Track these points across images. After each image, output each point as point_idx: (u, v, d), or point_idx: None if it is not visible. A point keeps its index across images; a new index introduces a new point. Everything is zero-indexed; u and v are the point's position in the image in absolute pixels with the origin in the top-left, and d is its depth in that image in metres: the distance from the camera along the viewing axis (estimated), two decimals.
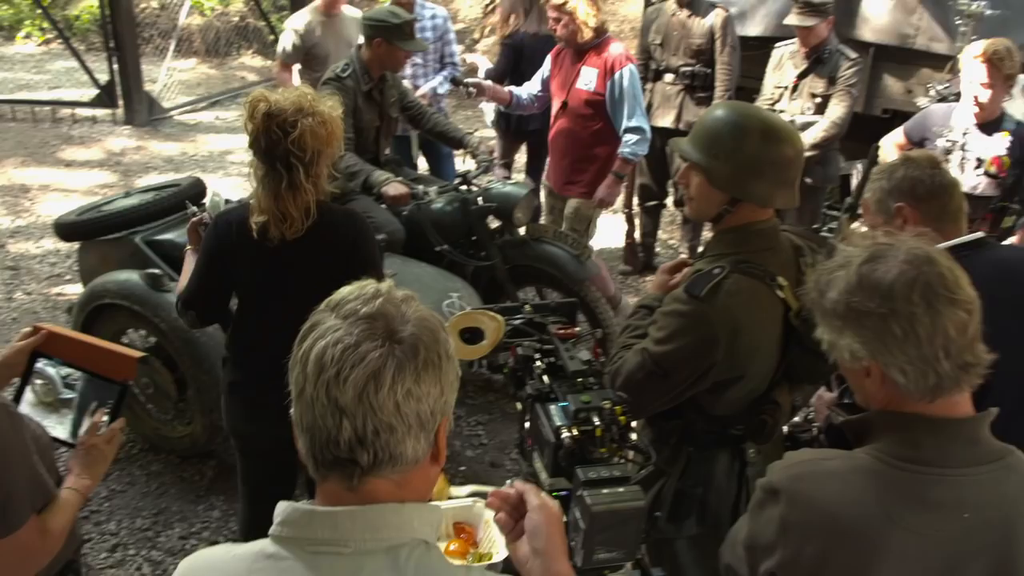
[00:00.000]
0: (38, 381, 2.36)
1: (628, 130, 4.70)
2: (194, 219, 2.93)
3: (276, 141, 2.51)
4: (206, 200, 2.92)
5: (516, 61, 5.62)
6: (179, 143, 8.75)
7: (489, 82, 5.17)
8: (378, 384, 1.14)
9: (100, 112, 9.21)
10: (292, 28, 5.62)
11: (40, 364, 2.26)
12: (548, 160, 5.27)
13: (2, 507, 1.77)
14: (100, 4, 9.02)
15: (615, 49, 4.71)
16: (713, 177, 2.22)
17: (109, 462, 2.12)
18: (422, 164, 5.92)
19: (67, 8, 12.76)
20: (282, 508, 1.22)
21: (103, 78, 9.09)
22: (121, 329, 4.04)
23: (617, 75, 4.65)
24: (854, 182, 5.21)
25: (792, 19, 5.04)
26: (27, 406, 2.22)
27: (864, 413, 1.63)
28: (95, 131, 8.97)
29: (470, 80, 5.13)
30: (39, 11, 11.36)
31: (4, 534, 1.79)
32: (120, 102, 9.11)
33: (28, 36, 12.73)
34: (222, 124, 9.44)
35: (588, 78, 4.72)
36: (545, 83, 4.97)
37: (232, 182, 7.65)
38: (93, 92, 9.25)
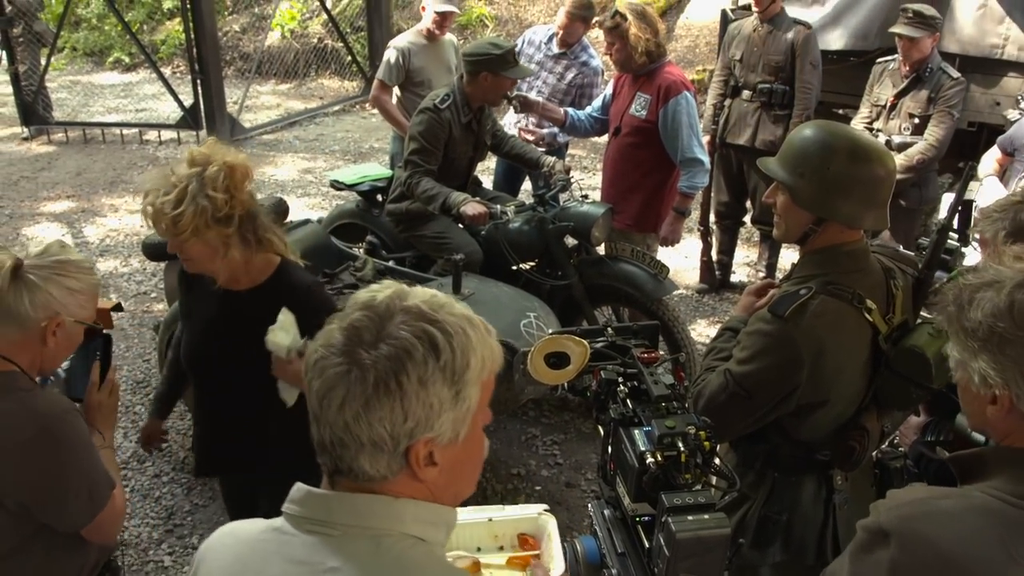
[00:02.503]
0: None
1: (684, 162, 4.52)
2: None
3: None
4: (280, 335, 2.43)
5: None
6: (259, 163, 8.95)
7: (540, 99, 5.09)
8: (329, 400, 1.17)
9: (184, 134, 9.49)
10: (395, 48, 5.68)
11: None
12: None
13: (89, 493, 2.06)
14: (185, 29, 9.30)
15: (670, 75, 4.50)
16: (798, 196, 2.19)
17: (116, 411, 2.39)
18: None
19: (153, 34, 13.20)
20: (294, 488, 1.27)
21: (188, 101, 9.36)
22: None
23: (670, 103, 4.44)
24: (943, 200, 5.07)
25: (899, 28, 4.91)
26: None
27: (977, 448, 1.55)
28: (179, 152, 9.23)
29: (516, 93, 4.93)
30: (128, 37, 11.75)
31: (96, 513, 2.08)
32: (203, 124, 9.38)
33: (117, 61, 13.19)
34: (301, 144, 9.64)
35: (640, 105, 4.55)
36: (606, 106, 4.86)
37: (311, 201, 7.80)
38: (178, 115, 9.54)
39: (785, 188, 2.22)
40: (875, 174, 2.13)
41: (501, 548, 1.54)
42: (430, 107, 4.34)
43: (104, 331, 2.36)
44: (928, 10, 4.90)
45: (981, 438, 2.20)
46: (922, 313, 2.40)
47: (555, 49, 5.46)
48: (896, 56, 5.10)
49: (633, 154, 4.66)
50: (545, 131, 5.37)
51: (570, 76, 5.43)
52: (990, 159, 4.37)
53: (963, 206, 3.05)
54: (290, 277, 2.55)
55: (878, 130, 5.09)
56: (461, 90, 4.38)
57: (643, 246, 4.71)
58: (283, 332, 2.37)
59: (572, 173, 4.81)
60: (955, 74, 4.97)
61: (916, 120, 4.98)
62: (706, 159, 4.56)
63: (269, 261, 2.54)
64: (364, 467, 1.19)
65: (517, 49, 5.49)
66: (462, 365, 1.20)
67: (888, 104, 5.09)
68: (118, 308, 3.01)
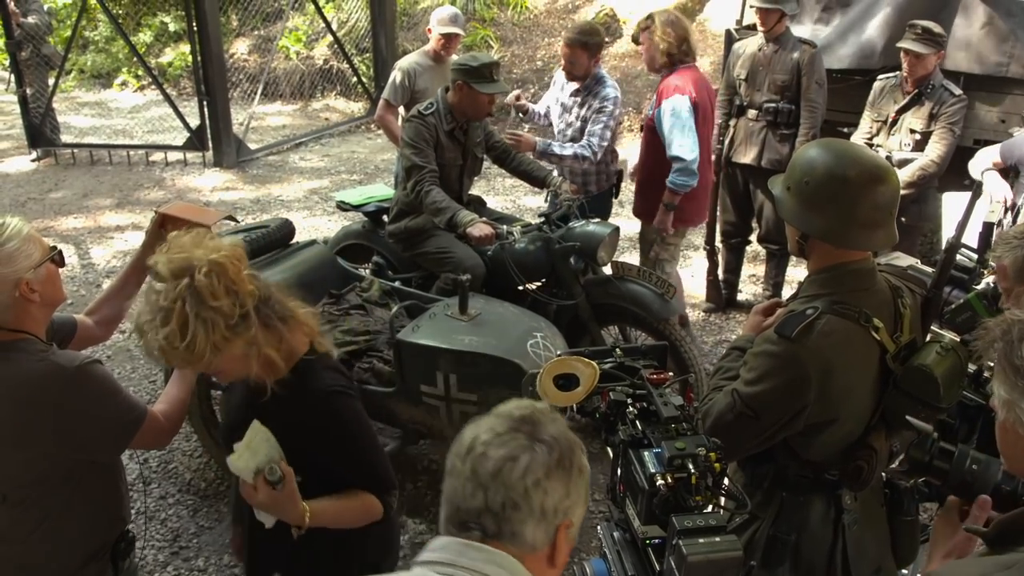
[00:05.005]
0: None
1: (672, 160, 4.74)
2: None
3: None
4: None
5: None
6: (265, 184, 8.98)
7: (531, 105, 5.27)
8: (514, 466, 1.35)
9: (191, 155, 9.53)
10: (400, 69, 5.74)
11: None
12: None
13: (119, 425, 2.27)
14: (192, 52, 9.35)
15: (674, 79, 4.75)
16: (781, 208, 2.24)
17: None
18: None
19: (160, 56, 13.27)
20: (436, 542, 1.41)
21: (194, 122, 9.40)
22: None
23: (663, 105, 4.71)
24: (943, 216, 5.06)
25: (907, 43, 4.94)
26: None
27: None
28: (186, 173, 9.27)
29: (519, 103, 5.35)
30: (135, 59, 11.82)
31: (130, 438, 2.29)
32: (209, 145, 9.41)
33: (124, 84, 13.27)
34: (306, 165, 9.66)
35: (651, 105, 4.88)
36: None
37: (317, 222, 7.81)
38: (184, 136, 9.58)
39: (776, 201, 2.26)
40: (852, 192, 2.10)
41: None
42: (415, 114, 4.48)
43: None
44: (935, 27, 4.94)
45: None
46: (933, 329, 2.39)
47: (569, 87, 5.14)
48: (897, 73, 5.12)
49: (650, 152, 4.96)
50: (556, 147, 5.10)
51: (582, 112, 5.07)
52: (987, 159, 4.32)
53: (984, 228, 3.05)
54: (310, 379, 2.19)
55: (878, 146, 5.09)
56: (444, 100, 4.48)
57: (660, 239, 5.04)
58: (249, 453, 2.04)
59: (578, 193, 4.83)
60: (957, 91, 4.99)
61: (917, 136, 5.00)
62: (689, 157, 4.69)
63: (294, 350, 2.19)
64: (526, 533, 1.36)
65: (550, 87, 5.47)
66: (584, 464, 1.46)
67: (889, 120, 5.11)
68: (231, 218, 3.10)
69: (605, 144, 4.94)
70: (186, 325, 1.95)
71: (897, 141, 5.06)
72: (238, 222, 3.55)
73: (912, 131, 5.01)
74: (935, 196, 5.17)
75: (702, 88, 4.85)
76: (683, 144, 4.67)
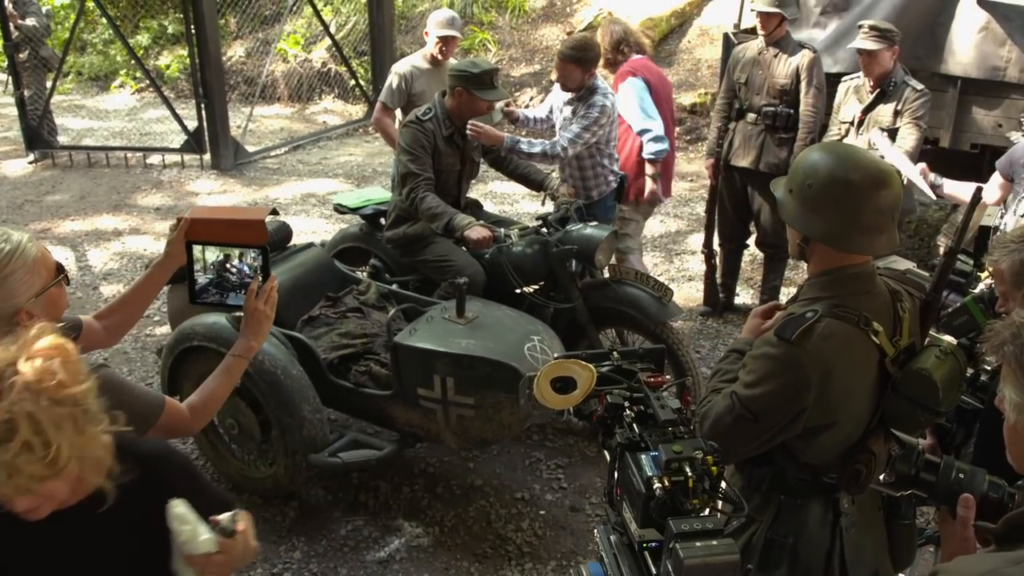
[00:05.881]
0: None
1: (641, 134, 5.09)
2: None
3: None
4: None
5: None
6: (263, 187, 8.97)
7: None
8: None
9: (188, 157, 9.52)
10: (397, 73, 5.73)
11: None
12: None
13: (135, 422, 1.96)
14: (190, 54, 9.34)
15: (623, 68, 5.19)
16: (783, 211, 2.23)
17: (271, 320, 2.41)
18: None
19: (158, 59, 13.26)
20: None
21: (192, 125, 9.40)
22: (209, 370, 4.10)
23: (619, 89, 5.13)
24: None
25: (858, 42, 4.98)
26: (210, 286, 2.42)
27: None
28: (183, 176, 9.27)
29: (508, 109, 5.50)
30: (133, 62, 11.81)
31: (147, 431, 2.20)
32: (207, 148, 9.41)
33: (122, 86, 13.26)
34: (304, 168, 9.66)
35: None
36: None
37: (314, 224, 7.81)
38: (182, 138, 9.57)
39: (778, 203, 2.26)
40: (855, 195, 2.10)
41: None
42: (413, 120, 4.48)
43: (263, 243, 2.37)
44: (884, 24, 5.00)
45: None
46: (932, 333, 2.39)
47: (565, 95, 5.10)
48: (859, 74, 5.17)
49: (621, 136, 5.28)
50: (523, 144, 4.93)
51: (573, 119, 4.97)
52: (993, 185, 4.34)
53: (980, 231, 3.04)
54: (135, 452, 1.77)
55: None
56: (442, 105, 4.49)
57: (636, 213, 5.45)
58: (201, 527, 1.73)
59: (575, 196, 4.82)
60: (919, 86, 5.03)
61: (884, 134, 5.01)
62: (653, 125, 5.09)
63: (109, 440, 1.73)
64: None
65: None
66: None
67: (856, 120, 5.15)
68: (274, 212, 2.94)
69: (579, 143, 4.80)
70: (40, 429, 1.50)
71: (865, 141, 5.07)
72: (278, 214, 3.45)
73: (881, 129, 5.03)
74: (910, 193, 5.18)
75: (652, 72, 5.29)
76: (645, 116, 5.05)
